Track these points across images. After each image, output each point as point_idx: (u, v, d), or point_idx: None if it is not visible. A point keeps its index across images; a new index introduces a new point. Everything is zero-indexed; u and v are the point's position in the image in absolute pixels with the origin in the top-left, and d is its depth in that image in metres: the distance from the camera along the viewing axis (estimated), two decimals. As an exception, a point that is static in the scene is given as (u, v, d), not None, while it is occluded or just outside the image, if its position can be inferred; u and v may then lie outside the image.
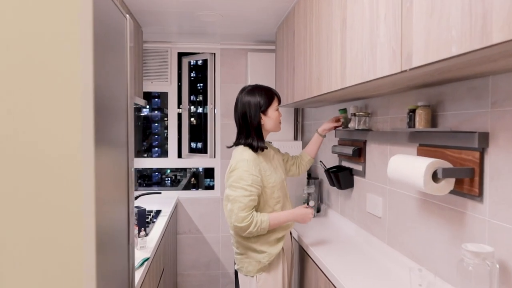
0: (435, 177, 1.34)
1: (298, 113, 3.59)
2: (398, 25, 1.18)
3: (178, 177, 5.73)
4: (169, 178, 5.82)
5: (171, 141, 3.66)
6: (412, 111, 1.59)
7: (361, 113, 2.12)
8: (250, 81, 3.39)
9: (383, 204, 2.00)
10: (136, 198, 2.79)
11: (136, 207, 2.53)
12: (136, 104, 2.83)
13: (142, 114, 4.93)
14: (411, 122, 1.59)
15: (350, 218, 2.45)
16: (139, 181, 5.10)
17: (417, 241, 1.66)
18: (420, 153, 1.58)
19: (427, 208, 1.59)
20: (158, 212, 2.83)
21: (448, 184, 1.36)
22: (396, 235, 1.84)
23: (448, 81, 1.38)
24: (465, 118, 1.36)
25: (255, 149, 1.90)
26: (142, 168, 3.70)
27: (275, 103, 1.98)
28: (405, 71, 1.14)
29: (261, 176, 1.86)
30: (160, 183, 5.83)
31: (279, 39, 2.99)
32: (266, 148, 1.97)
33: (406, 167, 1.44)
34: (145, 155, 4.75)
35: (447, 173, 1.30)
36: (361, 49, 1.44)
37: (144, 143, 5.09)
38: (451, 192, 1.41)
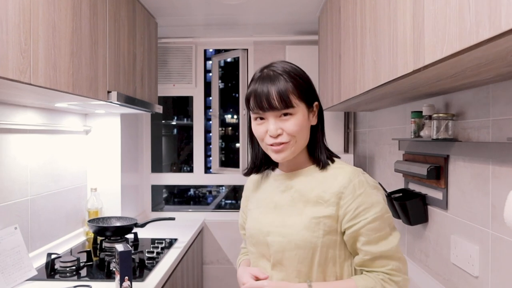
0: None
1: (349, 118, 2.89)
2: None
3: (214, 193, 5.19)
4: (202, 195, 5.30)
5: (197, 154, 3.11)
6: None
7: (440, 115, 1.41)
8: (289, 80, 2.76)
9: (480, 256, 1.27)
10: (144, 225, 2.25)
11: (122, 240, 1.95)
12: (146, 110, 2.31)
13: (174, 123, 4.47)
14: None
15: (422, 266, 1.72)
16: (175, 199, 4.61)
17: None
18: None
19: None
20: (171, 243, 2.28)
21: None
22: (510, 314, 1.11)
23: None
24: None
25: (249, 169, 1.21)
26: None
27: (252, 110, 1.07)
28: None
29: (244, 210, 1.27)
30: (197, 200, 5.34)
31: (322, 24, 2.34)
32: (270, 169, 1.19)
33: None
34: (184, 168, 4.30)
35: None
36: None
37: (179, 155, 4.64)
38: None
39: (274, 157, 1.05)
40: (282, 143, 1.02)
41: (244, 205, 1.26)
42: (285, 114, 1.01)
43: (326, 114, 2.75)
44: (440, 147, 1.50)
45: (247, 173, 1.20)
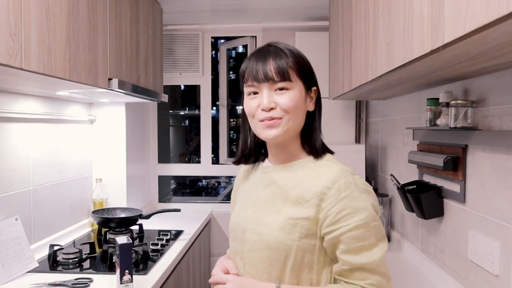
0: None
1: (361, 107, 2.79)
2: None
3: (223, 184, 5.13)
4: (212, 186, 5.23)
5: (205, 144, 3.05)
6: None
7: (459, 102, 1.31)
8: (298, 68, 2.67)
9: (501, 253, 1.18)
10: (149, 216, 2.20)
11: (127, 232, 1.93)
12: (151, 99, 2.25)
13: (183, 113, 4.41)
14: None
15: (437, 261, 1.63)
16: (182, 190, 4.57)
17: None
18: None
19: None
20: (177, 234, 2.23)
21: None
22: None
23: None
24: None
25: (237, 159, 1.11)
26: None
27: (246, 83, 0.99)
28: None
29: (234, 201, 1.19)
30: (208, 191, 5.29)
31: (333, 8, 2.24)
32: (257, 160, 1.10)
33: None
34: (194, 159, 4.24)
35: None
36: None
37: (189, 145, 4.59)
38: None
39: (264, 134, 0.95)
40: (274, 118, 0.93)
41: (234, 195, 1.19)
42: (281, 89, 0.93)
43: (337, 103, 2.66)
44: (458, 137, 1.41)
45: (235, 162, 1.11)
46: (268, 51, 0.96)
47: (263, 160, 1.09)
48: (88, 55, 1.55)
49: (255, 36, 2.95)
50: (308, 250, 0.92)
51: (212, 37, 2.98)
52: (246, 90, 0.99)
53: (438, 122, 1.49)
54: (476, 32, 0.70)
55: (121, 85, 1.76)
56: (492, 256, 1.22)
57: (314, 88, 1.01)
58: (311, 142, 1.00)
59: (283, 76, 0.92)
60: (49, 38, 1.27)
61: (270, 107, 0.93)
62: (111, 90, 1.73)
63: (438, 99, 1.51)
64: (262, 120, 0.94)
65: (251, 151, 1.07)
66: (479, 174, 1.31)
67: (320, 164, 0.97)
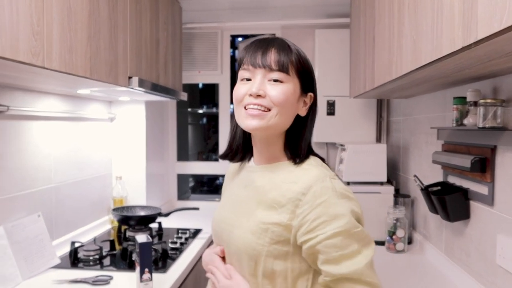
0: None
1: (382, 106, 2.73)
2: None
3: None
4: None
5: (223, 143, 3.05)
6: None
7: (488, 101, 1.26)
8: (319, 66, 2.64)
9: (533, 259, 1.13)
10: (168, 214, 2.21)
11: (146, 230, 1.93)
12: (170, 97, 2.25)
13: (201, 111, 4.42)
14: None
15: (461, 265, 1.58)
16: (202, 188, 4.59)
17: None
18: None
19: None
20: (196, 233, 2.23)
21: None
22: None
23: None
24: None
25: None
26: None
27: (241, 66, 0.94)
28: None
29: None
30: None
31: (355, 4, 2.19)
32: (243, 158, 1.04)
33: None
34: (212, 157, 4.25)
35: None
36: None
37: (206, 143, 4.59)
38: None
39: (245, 123, 0.89)
40: (260, 109, 0.87)
41: (223, 191, 1.16)
42: (276, 81, 0.88)
43: (358, 102, 2.61)
44: (486, 137, 1.36)
45: (221, 156, 1.04)
46: (273, 40, 0.91)
47: (248, 160, 1.04)
48: (109, 53, 1.55)
49: (274, 34, 2.92)
50: (280, 257, 0.87)
51: (230, 35, 2.97)
52: (240, 74, 0.93)
53: (465, 121, 1.44)
54: (472, 45, 0.66)
55: (141, 83, 1.76)
56: (523, 262, 1.17)
57: (311, 94, 0.95)
58: (295, 147, 0.93)
59: (282, 65, 0.87)
60: (71, 37, 1.27)
61: (258, 93, 0.87)
62: (131, 88, 1.74)
63: (465, 98, 1.45)
64: (247, 108, 0.88)
65: (239, 147, 1.01)
66: (508, 176, 1.26)
67: (300, 168, 0.91)
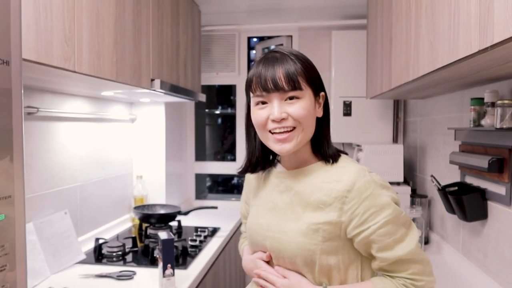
0: None
1: (399, 107, 2.74)
2: None
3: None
4: (242, 184, 5.26)
5: (240, 144, 3.09)
6: None
7: (506, 102, 1.27)
8: (335, 67, 2.66)
9: (551, 259, 1.14)
10: (187, 213, 2.27)
11: (166, 228, 1.93)
12: (190, 98, 2.30)
13: (218, 112, 4.48)
14: None
15: (479, 265, 1.59)
16: (218, 187, 4.64)
17: None
18: None
19: None
20: (214, 231, 2.28)
21: None
22: None
23: None
24: None
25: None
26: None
27: (254, 92, 0.95)
28: None
29: (247, 201, 1.19)
30: (238, 189, 5.36)
31: (372, 6, 2.21)
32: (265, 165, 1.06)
33: None
34: (228, 157, 4.30)
35: None
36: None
37: (223, 144, 4.66)
38: None
39: (277, 148, 0.92)
40: (287, 132, 0.90)
41: (246, 197, 1.18)
42: (291, 98, 0.90)
43: (374, 102, 2.63)
44: (504, 138, 1.37)
45: (241, 172, 1.07)
46: (275, 58, 0.92)
47: (274, 165, 1.07)
48: (133, 57, 1.61)
49: (291, 36, 2.96)
50: (332, 252, 0.92)
51: (247, 37, 3.02)
52: (253, 100, 0.95)
53: (483, 122, 1.45)
54: (489, 48, 0.68)
55: (163, 85, 1.82)
56: (541, 262, 1.17)
57: (322, 93, 0.98)
58: (323, 149, 0.98)
59: (294, 85, 0.89)
60: (99, 43, 1.33)
61: (281, 117, 0.90)
62: (153, 90, 1.80)
63: (482, 98, 1.46)
64: (273, 132, 0.92)
65: (259, 160, 1.04)
66: (527, 176, 1.27)
67: (336, 166, 0.96)
